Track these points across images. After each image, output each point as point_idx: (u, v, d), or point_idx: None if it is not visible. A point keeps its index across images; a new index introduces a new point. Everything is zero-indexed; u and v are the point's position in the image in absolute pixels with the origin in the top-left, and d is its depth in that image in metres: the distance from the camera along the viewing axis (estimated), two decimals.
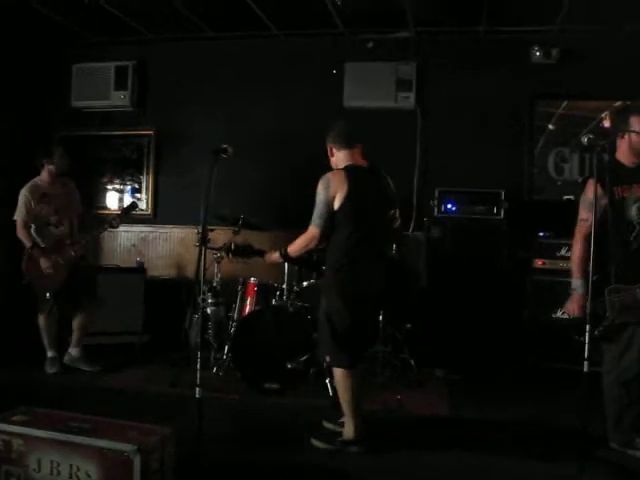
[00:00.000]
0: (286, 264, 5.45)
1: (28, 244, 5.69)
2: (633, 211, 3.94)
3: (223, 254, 5.00)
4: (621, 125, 4.12)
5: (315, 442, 4.18)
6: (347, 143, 4.29)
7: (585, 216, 4.03)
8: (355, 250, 4.09)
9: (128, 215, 6.12)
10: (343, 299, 4.10)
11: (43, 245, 5.72)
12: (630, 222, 3.94)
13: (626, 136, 4.03)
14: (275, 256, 4.43)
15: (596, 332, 3.78)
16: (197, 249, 4.74)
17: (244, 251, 4.65)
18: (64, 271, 5.71)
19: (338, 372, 4.16)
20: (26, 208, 5.71)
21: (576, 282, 4.09)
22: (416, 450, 4.18)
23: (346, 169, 4.17)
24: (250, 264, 4.73)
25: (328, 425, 4.44)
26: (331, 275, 4.18)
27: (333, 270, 4.17)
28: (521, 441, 4.36)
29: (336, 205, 4.06)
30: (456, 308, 6.09)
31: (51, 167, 5.82)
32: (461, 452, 4.14)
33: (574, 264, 4.13)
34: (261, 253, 4.56)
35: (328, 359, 4.22)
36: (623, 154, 4.08)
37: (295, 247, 4.27)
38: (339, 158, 4.29)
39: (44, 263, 5.64)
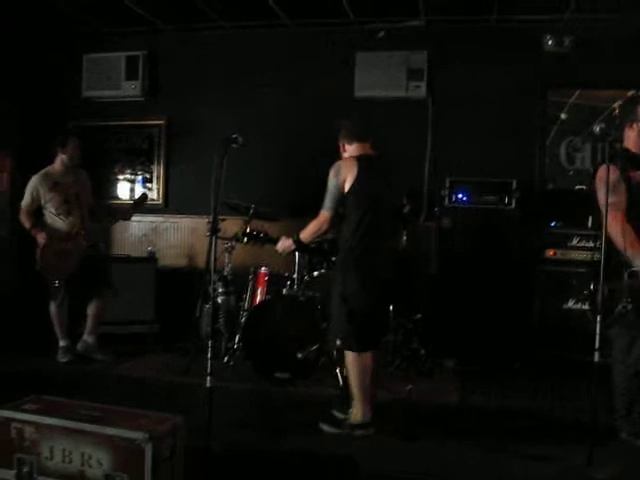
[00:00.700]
0: (297, 254, 5.46)
1: (28, 225, 5.72)
2: None
3: (239, 238, 5.01)
4: (629, 115, 4.12)
5: (324, 426, 4.24)
6: (358, 138, 4.41)
7: (614, 199, 3.79)
8: (367, 233, 4.18)
9: (139, 207, 6.16)
10: (361, 280, 4.17)
11: (54, 233, 5.74)
12: None
13: (634, 125, 4.04)
14: (288, 243, 4.51)
15: (611, 318, 3.73)
16: (208, 239, 4.78)
17: (258, 236, 4.68)
18: (74, 260, 5.73)
19: (349, 356, 4.21)
20: (31, 196, 5.75)
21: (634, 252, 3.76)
22: (426, 439, 4.18)
23: (356, 157, 4.29)
24: (261, 253, 4.72)
25: (338, 414, 4.45)
26: (347, 256, 4.24)
27: (348, 253, 4.23)
28: (530, 431, 4.36)
29: (346, 188, 4.17)
30: (467, 298, 6.08)
31: (64, 157, 5.84)
32: (471, 441, 4.15)
33: (632, 246, 3.79)
34: (274, 240, 4.60)
35: (339, 342, 4.27)
36: (633, 143, 4.06)
37: (307, 232, 4.36)
38: (350, 152, 4.41)
39: (57, 250, 5.67)
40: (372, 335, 4.32)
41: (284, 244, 4.54)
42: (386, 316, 4.58)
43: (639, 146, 4.05)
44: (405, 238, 5.45)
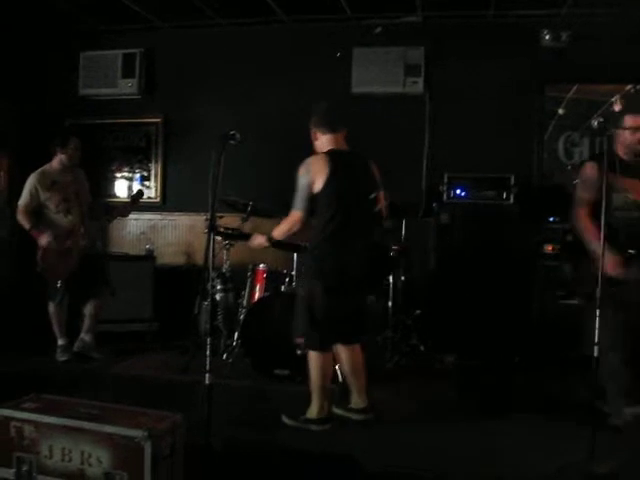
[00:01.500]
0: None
1: (27, 225, 5.67)
2: (619, 201, 4.15)
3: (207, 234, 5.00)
4: (618, 121, 4.25)
5: (284, 419, 4.31)
6: (330, 127, 4.34)
7: (584, 195, 4.21)
8: (336, 233, 4.17)
9: (136, 203, 6.16)
10: (322, 282, 4.18)
11: (53, 232, 5.71)
12: (616, 208, 4.13)
13: (619, 132, 4.20)
14: (261, 240, 4.48)
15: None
16: (205, 236, 4.78)
17: (229, 233, 4.66)
18: (74, 259, 5.72)
19: (310, 354, 4.26)
20: (30, 194, 5.71)
21: (597, 244, 3.83)
22: (425, 435, 4.18)
23: (327, 153, 4.24)
24: (259, 250, 4.71)
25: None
26: (311, 258, 4.27)
27: (313, 253, 4.25)
28: (530, 427, 4.35)
29: (316, 188, 4.14)
30: (465, 294, 6.08)
31: (63, 157, 5.81)
32: (470, 438, 4.14)
33: (590, 233, 4.08)
34: (246, 236, 4.57)
35: (302, 341, 4.31)
36: (619, 148, 4.26)
37: (279, 231, 4.34)
38: (322, 142, 4.36)
39: (56, 251, 5.65)
40: (335, 335, 4.33)
41: (257, 240, 4.52)
42: (360, 314, 4.56)
43: (622, 152, 4.22)
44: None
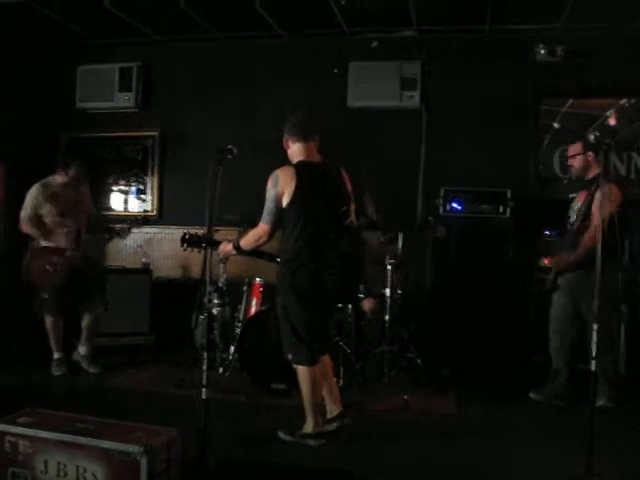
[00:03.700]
0: None
1: (36, 235, 5.68)
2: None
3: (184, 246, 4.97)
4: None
5: (280, 434, 4.29)
6: (302, 136, 4.31)
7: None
8: (306, 246, 4.14)
9: (135, 227, 6.20)
10: (296, 296, 4.16)
11: (46, 244, 5.71)
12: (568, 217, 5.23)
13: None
14: (228, 248, 4.46)
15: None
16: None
17: (197, 241, 4.66)
18: (64, 272, 5.68)
19: (299, 369, 4.23)
20: (32, 205, 5.69)
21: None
22: (422, 449, 4.18)
23: (296, 166, 4.22)
24: (255, 264, 4.72)
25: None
26: (283, 272, 4.23)
27: (285, 267, 4.22)
28: (527, 439, 4.35)
29: (285, 202, 4.13)
30: (462, 307, 6.07)
31: (63, 178, 5.81)
32: (467, 451, 4.14)
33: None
34: (215, 244, 4.56)
35: (290, 357, 4.27)
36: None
37: (246, 241, 4.34)
38: (294, 151, 4.34)
39: (44, 261, 5.64)
40: (319, 347, 4.32)
41: (225, 248, 4.50)
42: (328, 325, 4.60)
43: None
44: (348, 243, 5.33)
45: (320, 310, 4.30)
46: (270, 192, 4.15)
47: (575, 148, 5.23)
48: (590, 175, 5.14)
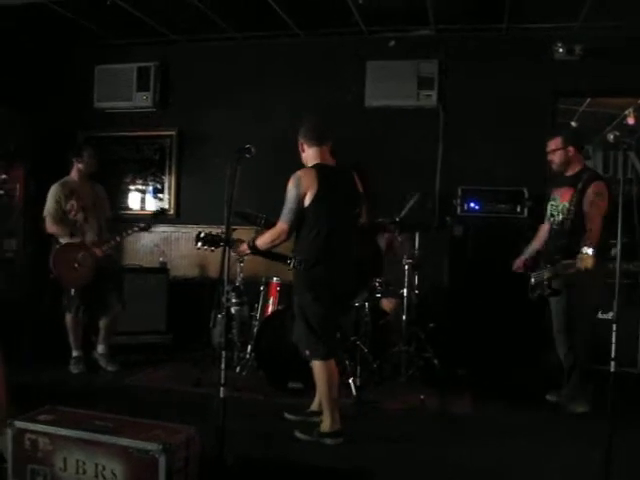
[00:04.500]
0: None
1: (66, 236, 5.72)
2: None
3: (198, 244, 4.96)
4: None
5: (297, 434, 4.31)
6: (318, 140, 4.37)
7: None
8: (323, 247, 4.19)
9: (157, 220, 6.20)
10: (312, 293, 4.21)
11: (71, 240, 5.75)
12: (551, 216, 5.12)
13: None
14: (244, 247, 4.48)
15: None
16: (220, 249, 4.77)
17: (212, 240, 4.66)
18: (91, 270, 5.73)
19: (317, 365, 4.25)
20: (56, 203, 5.76)
21: None
22: (438, 449, 4.17)
23: (316, 168, 4.27)
24: (272, 263, 4.72)
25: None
26: (300, 271, 4.26)
27: (302, 266, 4.24)
28: (543, 442, 4.32)
29: (306, 202, 4.16)
30: (479, 307, 6.05)
31: (80, 166, 5.89)
32: (482, 451, 4.13)
33: None
34: (232, 243, 4.56)
35: (308, 353, 4.28)
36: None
37: (263, 240, 4.35)
38: (309, 155, 4.40)
39: (71, 258, 5.67)
40: (334, 343, 4.41)
41: (240, 248, 4.51)
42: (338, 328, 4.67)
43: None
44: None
45: (336, 308, 4.36)
46: (292, 192, 4.18)
47: (555, 143, 5.02)
48: (570, 171, 5.00)
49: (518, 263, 5.30)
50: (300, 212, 4.17)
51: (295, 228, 4.23)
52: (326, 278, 4.21)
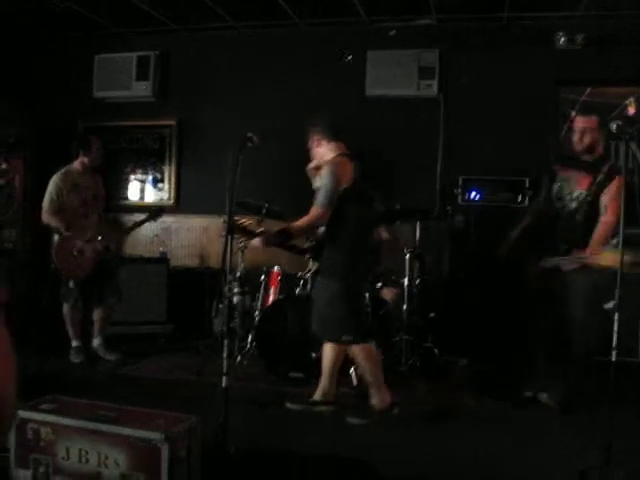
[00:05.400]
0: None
1: (62, 228, 5.68)
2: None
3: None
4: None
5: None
6: (335, 136, 4.47)
7: None
8: (358, 240, 4.37)
9: (154, 220, 6.19)
10: (355, 277, 4.37)
11: (70, 234, 5.72)
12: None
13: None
14: (258, 241, 4.46)
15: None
16: (220, 238, 4.78)
17: (244, 230, 4.69)
18: (91, 262, 5.73)
19: (363, 349, 4.38)
20: (56, 195, 5.71)
21: None
22: (438, 440, 4.18)
23: (347, 157, 4.38)
24: (273, 252, 4.73)
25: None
26: (335, 256, 4.36)
27: (338, 252, 4.35)
28: (544, 432, 4.32)
29: (341, 188, 4.26)
30: (480, 297, 6.05)
31: (86, 159, 5.85)
32: (483, 442, 4.12)
33: None
34: (254, 235, 4.57)
35: (350, 338, 4.33)
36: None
37: (301, 224, 4.35)
38: (329, 149, 4.46)
39: (71, 248, 5.67)
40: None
41: (255, 241, 4.51)
42: None
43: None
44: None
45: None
46: (330, 177, 4.24)
47: (590, 121, 4.61)
48: (588, 156, 4.66)
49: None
50: (335, 198, 4.23)
51: (329, 214, 4.27)
52: (357, 269, 4.40)
